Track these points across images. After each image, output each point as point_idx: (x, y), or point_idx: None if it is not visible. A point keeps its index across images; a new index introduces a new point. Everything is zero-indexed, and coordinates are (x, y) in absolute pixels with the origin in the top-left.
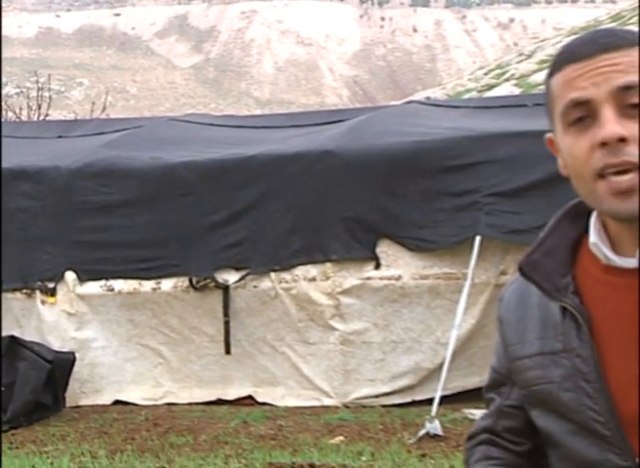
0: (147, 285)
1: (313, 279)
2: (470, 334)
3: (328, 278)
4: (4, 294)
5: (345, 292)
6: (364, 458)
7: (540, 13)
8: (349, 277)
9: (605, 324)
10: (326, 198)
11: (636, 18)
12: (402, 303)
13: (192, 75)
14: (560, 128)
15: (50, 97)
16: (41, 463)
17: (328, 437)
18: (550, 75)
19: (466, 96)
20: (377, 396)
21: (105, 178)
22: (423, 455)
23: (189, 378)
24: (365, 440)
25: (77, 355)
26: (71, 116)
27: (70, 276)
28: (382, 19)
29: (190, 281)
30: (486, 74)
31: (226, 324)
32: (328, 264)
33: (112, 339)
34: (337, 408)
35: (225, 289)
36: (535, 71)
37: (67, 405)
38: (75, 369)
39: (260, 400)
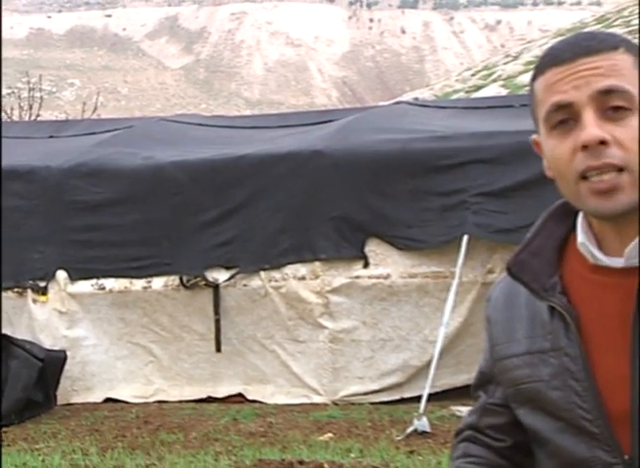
0: (138, 283)
1: (303, 278)
2: (458, 333)
3: (317, 277)
4: None
5: (334, 291)
6: (353, 455)
7: (527, 15)
8: (338, 276)
9: (592, 322)
10: (315, 197)
11: (621, 20)
12: (390, 302)
13: (183, 76)
14: (544, 130)
15: (41, 98)
16: (32, 460)
17: (317, 434)
18: (534, 78)
19: (454, 96)
20: (365, 393)
21: (96, 178)
22: (411, 452)
23: (180, 376)
24: (354, 437)
25: (68, 353)
26: (63, 116)
27: (62, 275)
28: (371, 20)
29: (181, 279)
30: (473, 75)
31: (217, 322)
32: (317, 263)
33: (103, 338)
34: (326, 405)
35: (216, 287)
36: (521, 72)
37: (59, 402)
38: (66, 367)
39: (249, 397)
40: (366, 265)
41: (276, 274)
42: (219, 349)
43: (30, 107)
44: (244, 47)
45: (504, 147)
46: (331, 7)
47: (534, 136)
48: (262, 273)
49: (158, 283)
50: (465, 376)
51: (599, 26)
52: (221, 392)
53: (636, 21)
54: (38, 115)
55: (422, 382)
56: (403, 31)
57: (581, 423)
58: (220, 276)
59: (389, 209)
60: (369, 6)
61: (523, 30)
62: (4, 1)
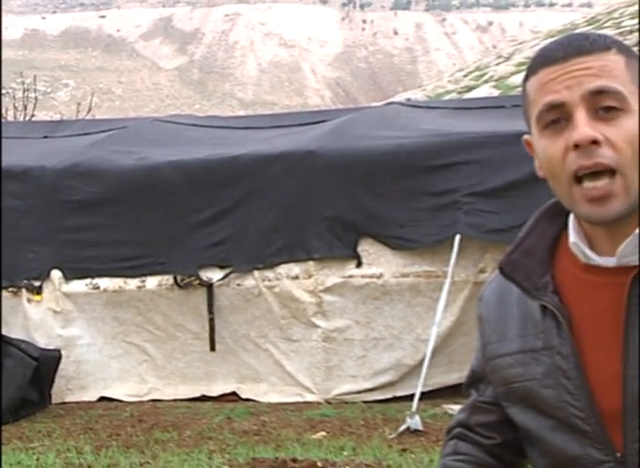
0: (132, 283)
1: (296, 277)
2: (450, 331)
3: (310, 276)
4: None
5: (328, 290)
6: (346, 453)
7: (518, 16)
8: (331, 275)
9: (584, 321)
10: (308, 197)
11: (611, 21)
12: (383, 301)
13: (177, 76)
14: (536, 130)
15: (36, 98)
16: (27, 459)
17: (310, 432)
18: (526, 78)
19: (446, 97)
20: (358, 392)
21: (91, 178)
22: (404, 450)
23: (174, 375)
24: (347, 435)
25: (63, 352)
26: (57, 117)
27: (56, 274)
28: (364, 21)
29: (175, 279)
30: (465, 76)
31: (211, 321)
32: (310, 263)
33: (98, 337)
34: (319, 403)
35: (209, 286)
36: (513, 73)
37: (53, 401)
38: (61, 366)
39: (243, 396)
40: (359, 265)
41: (270, 273)
42: (213, 348)
43: (25, 108)
44: (238, 48)
45: (496, 148)
46: (324, 8)
47: (526, 136)
48: (256, 272)
49: (152, 282)
50: (458, 375)
51: (590, 28)
52: (215, 391)
53: (626, 23)
54: (33, 115)
55: (415, 381)
56: (395, 32)
57: (574, 421)
58: (214, 275)
59: (382, 209)
60: (362, 7)
61: (515, 31)
62: None
